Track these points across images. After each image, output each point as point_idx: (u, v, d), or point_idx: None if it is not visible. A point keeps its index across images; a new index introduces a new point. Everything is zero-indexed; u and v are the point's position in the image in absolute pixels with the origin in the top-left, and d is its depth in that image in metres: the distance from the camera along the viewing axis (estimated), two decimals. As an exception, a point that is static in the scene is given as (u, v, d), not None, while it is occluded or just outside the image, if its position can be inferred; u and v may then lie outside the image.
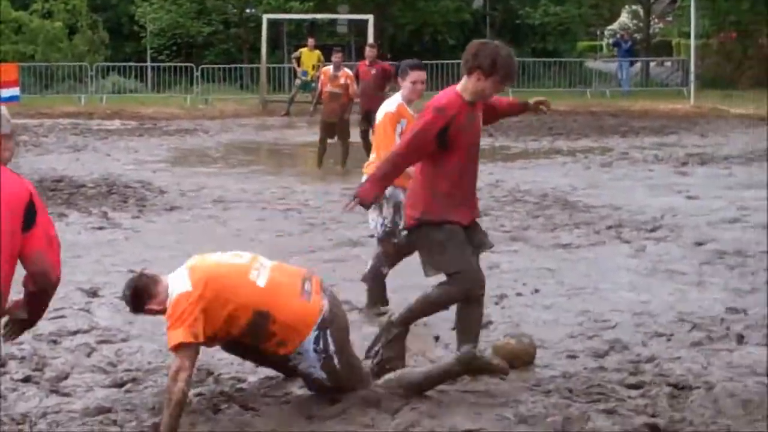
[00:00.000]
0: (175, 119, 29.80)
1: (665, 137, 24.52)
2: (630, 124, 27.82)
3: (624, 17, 51.84)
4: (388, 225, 8.81)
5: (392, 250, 8.86)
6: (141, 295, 6.15)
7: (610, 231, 12.64)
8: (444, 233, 6.90)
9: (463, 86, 6.90)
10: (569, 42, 44.34)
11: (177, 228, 13.08)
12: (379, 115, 9.07)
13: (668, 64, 43.32)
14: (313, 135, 21.75)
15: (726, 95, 33.46)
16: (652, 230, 12.68)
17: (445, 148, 6.76)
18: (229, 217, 13.90)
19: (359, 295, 9.16)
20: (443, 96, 6.96)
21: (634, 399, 6.60)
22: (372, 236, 9.03)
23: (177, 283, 6.00)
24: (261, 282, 6.13)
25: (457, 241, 6.93)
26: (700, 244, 11.85)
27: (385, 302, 8.95)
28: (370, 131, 19.76)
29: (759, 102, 31.35)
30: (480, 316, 7.16)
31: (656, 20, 49.93)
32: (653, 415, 6.28)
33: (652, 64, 42.39)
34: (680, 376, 7.05)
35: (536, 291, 9.64)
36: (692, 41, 34.43)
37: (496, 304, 9.15)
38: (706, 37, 40.03)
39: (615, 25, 52.91)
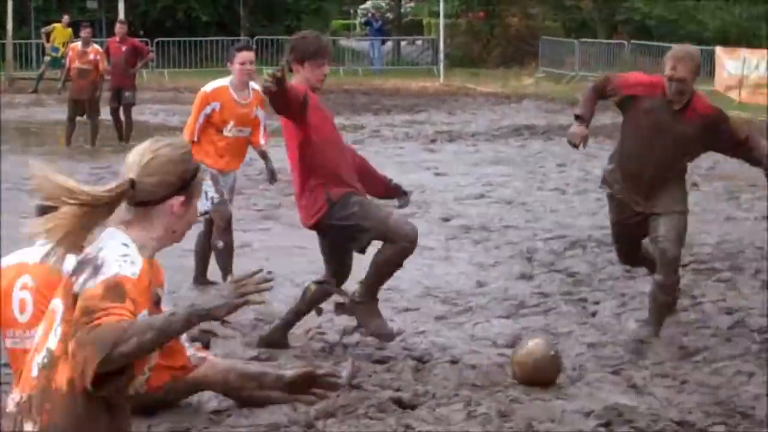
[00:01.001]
0: None
1: (415, 115, 25.00)
2: (382, 102, 28.24)
3: (376, -4, 52.53)
4: (216, 196, 8.89)
5: (228, 217, 9.07)
6: None
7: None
8: (352, 202, 6.99)
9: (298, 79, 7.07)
10: (322, 20, 44.54)
11: None
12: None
13: (419, 42, 44.09)
14: (62, 113, 21.17)
15: (473, 74, 34.38)
16: (400, 206, 12.92)
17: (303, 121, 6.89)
18: (-28, 199, 13.40)
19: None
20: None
21: (379, 374, 6.74)
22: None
23: None
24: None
25: (369, 203, 7.13)
26: (446, 219, 12.17)
27: (206, 275, 9.25)
28: (120, 109, 19.42)
29: (505, 80, 32.40)
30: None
31: (407, 0, 50.81)
32: (398, 389, 6.43)
33: (403, 43, 43.10)
34: (425, 350, 7.25)
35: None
36: (441, 21, 35.21)
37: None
38: (455, 16, 40.98)
39: (368, 5, 53.48)
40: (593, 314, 8.32)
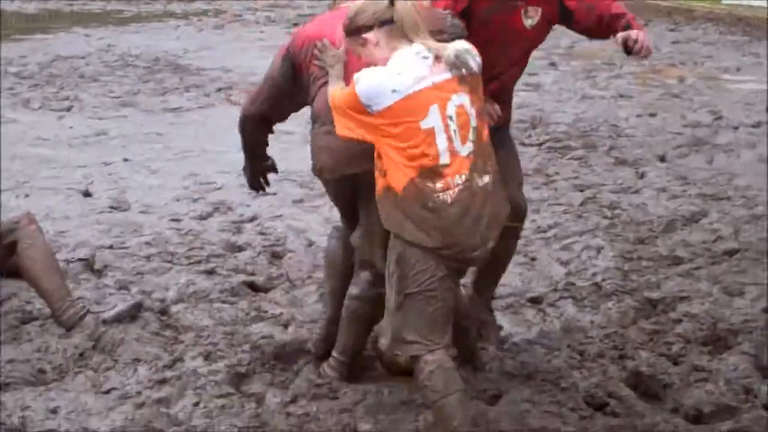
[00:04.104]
0: None
1: (278, -1, 24.66)
2: (244, -14, 27.78)
3: None
4: None
5: None
6: None
7: (220, 93, 12.69)
8: None
9: None
10: None
11: None
12: None
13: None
14: None
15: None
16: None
17: None
18: None
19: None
20: None
21: (234, 258, 6.74)
22: None
23: None
24: None
25: None
26: (307, 103, 12.10)
27: None
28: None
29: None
30: None
31: None
32: (252, 273, 6.45)
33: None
34: (281, 234, 7.25)
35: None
36: None
37: (106, 167, 9.11)
38: None
39: None
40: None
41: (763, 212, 7.80)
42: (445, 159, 4.08)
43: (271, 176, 8.86)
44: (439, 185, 4.08)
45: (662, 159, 9.53)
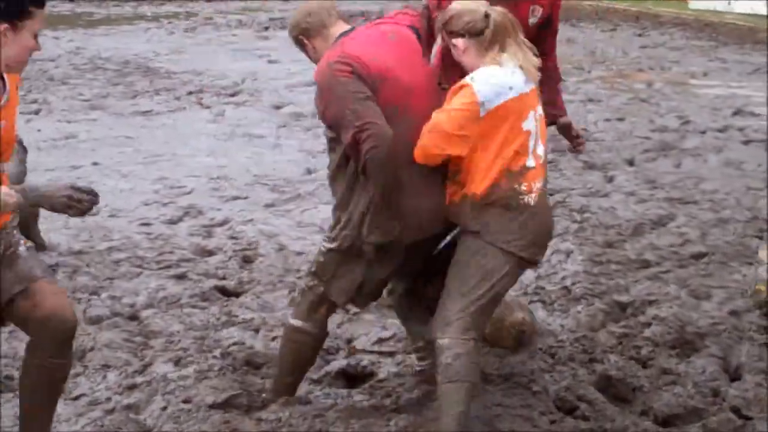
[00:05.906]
0: None
1: (249, 2, 24.64)
2: (215, -11, 27.71)
3: None
4: None
5: None
6: None
7: (191, 97, 12.67)
8: None
9: None
10: None
11: None
12: None
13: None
14: None
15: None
16: (233, 95, 12.83)
17: None
18: None
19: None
20: None
21: (205, 263, 6.73)
22: None
23: None
24: None
25: None
26: (278, 107, 12.11)
27: None
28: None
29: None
30: None
31: None
32: (223, 278, 6.45)
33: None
34: (252, 238, 7.25)
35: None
36: None
37: (74, 171, 9.07)
38: None
39: None
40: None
41: (730, 216, 7.86)
42: (531, 162, 4.25)
43: (243, 180, 8.95)
44: (523, 187, 4.23)
45: (631, 163, 9.59)
